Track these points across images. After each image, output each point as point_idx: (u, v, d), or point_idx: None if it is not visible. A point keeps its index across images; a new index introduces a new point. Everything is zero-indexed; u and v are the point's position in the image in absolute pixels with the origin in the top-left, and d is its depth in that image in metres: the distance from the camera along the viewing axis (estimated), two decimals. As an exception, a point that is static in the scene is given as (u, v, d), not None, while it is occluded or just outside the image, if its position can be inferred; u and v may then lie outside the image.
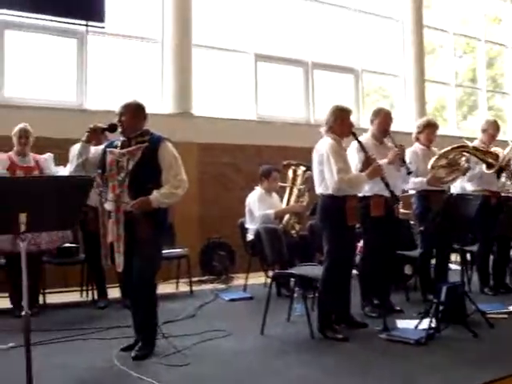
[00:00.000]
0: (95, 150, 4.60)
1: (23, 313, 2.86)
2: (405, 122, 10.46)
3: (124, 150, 4.45)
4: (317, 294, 5.22)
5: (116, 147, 4.52)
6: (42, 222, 2.90)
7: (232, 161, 8.64)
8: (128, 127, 4.48)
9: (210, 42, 8.96)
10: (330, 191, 4.84)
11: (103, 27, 7.94)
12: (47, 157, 6.12)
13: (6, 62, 7.57)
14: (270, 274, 5.77)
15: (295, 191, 6.91)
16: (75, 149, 4.55)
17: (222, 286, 7.36)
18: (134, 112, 4.52)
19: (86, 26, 7.89)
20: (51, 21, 7.70)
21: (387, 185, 5.14)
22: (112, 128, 4.51)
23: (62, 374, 4.01)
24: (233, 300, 6.51)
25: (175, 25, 8.48)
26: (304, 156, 7.38)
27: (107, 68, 8.26)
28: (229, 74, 9.33)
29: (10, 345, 4.67)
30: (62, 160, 6.10)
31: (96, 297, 6.37)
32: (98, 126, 4.49)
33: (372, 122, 5.72)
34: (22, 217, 2.74)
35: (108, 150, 4.54)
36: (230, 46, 9.19)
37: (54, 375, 3.93)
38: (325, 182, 4.89)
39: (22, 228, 2.76)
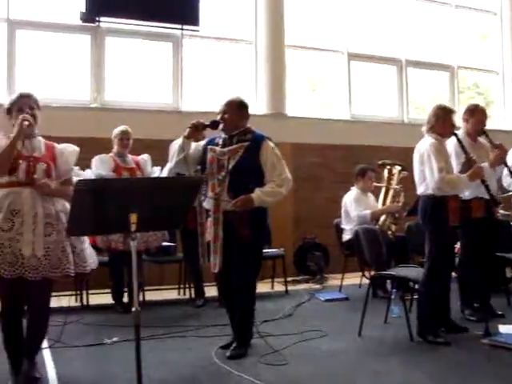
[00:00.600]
0: (195, 146, 4.53)
1: (133, 309, 2.94)
2: (503, 120, 10.09)
3: (225, 149, 4.43)
4: (415, 296, 5.12)
5: (217, 145, 4.49)
6: (152, 221, 2.98)
7: (324, 161, 8.60)
8: (230, 124, 4.44)
9: (302, 41, 8.94)
10: (430, 191, 4.72)
11: (198, 30, 8.09)
12: (145, 158, 6.25)
13: (106, 67, 7.84)
14: (368, 274, 5.67)
15: (391, 191, 6.81)
16: (175, 145, 4.50)
17: (317, 286, 7.34)
18: (237, 109, 4.49)
19: (182, 29, 8.06)
20: (149, 26, 7.93)
21: (487, 187, 4.95)
22: (214, 125, 4.45)
23: (164, 370, 4.11)
24: (328, 300, 6.48)
25: (268, 26, 8.52)
26: (397, 155, 7.31)
27: (202, 70, 8.40)
28: (322, 74, 9.29)
29: (114, 339, 4.84)
30: (158, 161, 6.25)
31: (193, 295, 6.46)
32: (200, 122, 4.43)
33: (467, 120, 5.44)
34: (133, 217, 2.82)
35: (209, 147, 4.51)
36: (323, 46, 9.13)
37: (156, 371, 4.01)
38: (426, 182, 4.75)
39: (133, 228, 2.84)
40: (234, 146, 4.42)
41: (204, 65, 8.44)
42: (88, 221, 2.88)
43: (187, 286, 6.71)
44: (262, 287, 6.91)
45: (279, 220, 7.34)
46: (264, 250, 5.99)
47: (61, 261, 3.64)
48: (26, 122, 3.66)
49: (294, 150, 8.10)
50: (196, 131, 4.44)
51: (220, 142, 4.50)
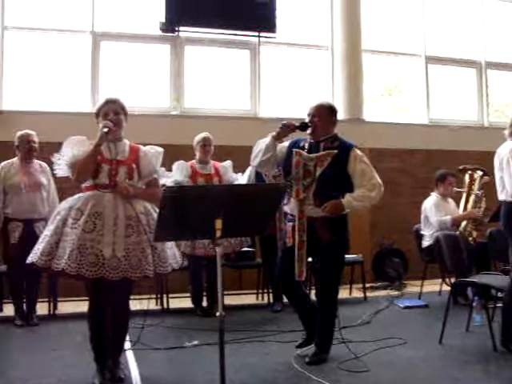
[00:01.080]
0: (279, 147, 4.49)
1: (217, 313, 2.99)
2: None
3: (313, 155, 4.37)
4: (498, 305, 4.98)
5: (302, 148, 4.43)
6: (236, 228, 3.03)
7: (403, 166, 8.50)
8: (319, 129, 4.40)
9: (379, 46, 8.87)
10: (510, 198, 4.55)
11: (274, 37, 8.16)
12: (226, 164, 6.33)
13: (186, 75, 8.01)
14: (449, 281, 5.56)
15: (472, 197, 6.66)
16: (262, 143, 4.44)
17: (396, 293, 7.24)
18: (327, 114, 4.45)
19: (258, 37, 8.15)
20: (226, 34, 8.06)
21: None
22: (303, 127, 4.40)
23: (244, 374, 4.15)
24: (408, 307, 6.38)
25: (344, 30, 8.49)
26: (477, 160, 7.14)
27: (279, 76, 8.46)
28: (399, 78, 9.19)
29: (194, 342, 4.93)
30: (237, 167, 6.33)
31: (271, 300, 6.50)
32: (291, 123, 4.38)
33: None
34: (218, 223, 2.88)
35: (294, 150, 4.43)
36: (400, 50, 9.02)
37: (237, 374, 4.05)
38: (505, 189, 4.59)
39: (218, 234, 2.90)
40: (322, 153, 4.38)
41: (281, 71, 8.51)
42: (174, 227, 2.95)
43: (265, 290, 6.76)
44: (341, 293, 6.86)
45: (357, 226, 7.24)
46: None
47: (140, 261, 3.73)
48: (106, 129, 3.78)
49: (371, 156, 7.96)
50: (285, 132, 4.40)
51: (306, 145, 4.45)
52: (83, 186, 3.87)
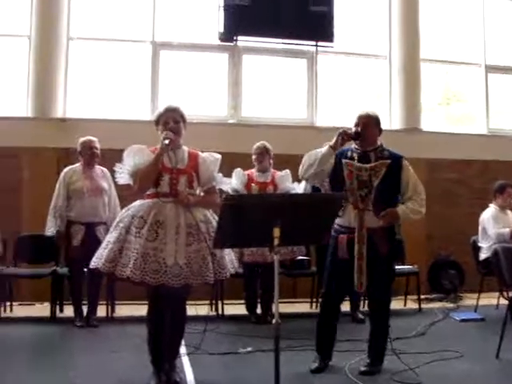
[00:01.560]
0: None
1: (273, 321, 3.03)
2: None
3: (366, 165, 4.36)
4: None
5: (351, 158, 4.40)
6: (293, 236, 3.07)
7: (460, 177, 8.37)
8: (370, 139, 4.41)
9: (437, 55, 8.77)
10: None
11: (332, 46, 8.18)
12: (284, 174, 6.35)
13: (244, 84, 8.12)
14: (507, 295, 5.45)
15: (532, 209, 6.54)
16: (313, 155, 4.39)
17: (451, 305, 7.13)
18: (375, 124, 4.47)
19: (316, 46, 8.18)
20: (284, 44, 8.12)
21: None
22: (357, 136, 4.37)
23: (299, 382, 4.20)
24: (464, 320, 6.29)
25: (403, 40, 8.43)
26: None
27: (336, 85, 8.47)
28: (457, 87, 9.08)
29: (249, 349, 5.00)
30: (294, 176, 6.35)
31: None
32: (348, 132, 4.33)
33: None
34: (276, 231, 2.93)
35: (344, 161, 4.39)
36: (459, 59, 8.90)
37: (291, 382, 4.07)
38: None
39: (276, 242, 2.95)
40: (376, 163, 4.37)
41: (338, 80, 8.51)
42: (233, 234, 3.01)
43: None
44: (395, 304, 6.80)
45: (412, 236, 7.23)
46: (398, 267, 5.95)
47: (201, 268, 3.82)
48: (167, 141, 3.87)
49: (428, 166, 7.96)
50: (343, 141, 4.35)
51: (354, 155, 4.43)
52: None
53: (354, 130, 4.39)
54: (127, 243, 3.78)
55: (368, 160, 4.41)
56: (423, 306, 6.97)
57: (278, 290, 3.07)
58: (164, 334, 3.97)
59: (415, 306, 6.93)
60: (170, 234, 3.79)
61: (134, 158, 3.95)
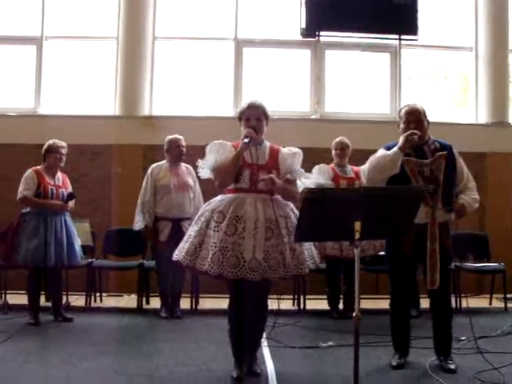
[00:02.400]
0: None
1: (354, 314, 3.04)
2: None
3: (427, 161, 4.25)
4: None
5: (407, 155, 4.22)
6: (375, 230, 3.07)
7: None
8: (424, 134, 4.26)
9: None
10: None
11: (416, 39, 8.05)
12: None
13: (326, 80, 8.14)
14: None
15: None
16: (379, 159, 4.24)
17: (539, 305, 6.89)
18: (425, 116, 4.34)
19: (399, 39, 8.08)
20: (366, 38, 8.08)
21: None
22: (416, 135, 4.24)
23: (377, 377, 4.17)
24: (553, 321, 6.07)
25: (489, 31, 8.19)
26: None
27: (420, 79, 8.33)
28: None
29: (329, 343, 5.01)
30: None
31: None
32: (414, 132, 4.16)
33: None
34: (357, 225, 2.94)
35: (403, 158, 4.22)
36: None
37: (369, 377, 4.06)
38: None
39: (357, 235, 2.96)
40: (435, 157, 4.27)
41: (422, 74, 8.37)
42: (314, 228, 3.04)
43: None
44: (480, 303, 6.70)
45: (498, 233, 7.05)
46: (481, 264, 5.80)
47: (279, 263, 3.87)
48: (247, 139, 3.93)
49: (517, 160, 7.72)
50: (410, 143, 4.18)
51: (410, 151, 4.23)
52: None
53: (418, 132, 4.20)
54: (207, 237, 3.86)
55: (423, 154, 4.28)
56: (509, 305, 6.74)
57: (358, 284, 3.10)
58: (245, 327, 4.04)
59: (501, 304, 6.73)
60: (248, 229, 3.84)
61: (216, 153, 4.02)
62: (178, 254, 3.95)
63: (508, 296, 6.80)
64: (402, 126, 4.36)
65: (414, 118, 4.29)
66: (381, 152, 4.33)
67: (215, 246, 3.80)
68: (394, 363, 4.41)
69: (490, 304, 6.97)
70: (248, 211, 3.88)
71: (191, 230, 4.00)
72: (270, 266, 3.83)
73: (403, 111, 4.41)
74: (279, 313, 4.97)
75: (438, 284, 4.28)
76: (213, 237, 3.84)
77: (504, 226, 7.57)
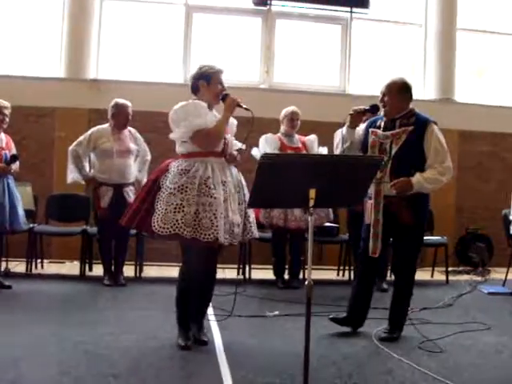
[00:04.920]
0: (357, 131, 4.49)
1: (306, 283, 3.02)
2: None
3: (388, 133, 4.32)
4: None
5: (379, 127, 4.39)
6: (329, 198, 3.04)
7: (493, 149, 8.25)
8: (392, 108, 4.32)
9: (475, 24, 8.56)
10: None
11: (367, 13, 8.05)
12: (312, 138, 6.35)
13: (276, 50, 8.06)
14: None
15: None
16: (338, 134, 4.54)
17: (479, 279, 7.06)
18: (398, 92, 4.32)
19: (351, 12, 8.05)
20: (318, 9, 8.01)
21: None
22: (374, 109, 4.43)
23: (325, 346, 4.20)
24: (492, 293, 6.24)
25: (439, 8, 8.25)
26: None
27: (370, 53, 8.36)
28: (492, 58, 8.89)
29: (276, 313, 5.05)
30: (323, 143, 6.33)
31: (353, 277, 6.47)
32: (359, 108, 4.41)
33: None
34: (312, 192, 2.90)
35: (370, 130, 4.42)
36: (497, 29, 8.67)
37: (317, 346, 4.03)
38: None
39: (311, 203, 2.92)
40: (397, 130, 4.31)
41: (372, 48, 8.38)
42: (269, 194, 2.99)
43: (347, 267, 6.78)
44: (422, 275, 6.81)
45: (441, 208, 7.17)
46: (427, 237, 5.90)
47: (245, 227, 3.98)
48: (245, 106, 3.96)
49: (461, 138, 7.87)
50: (358, 118, 4.44)
51: (382, 124, 4.40)
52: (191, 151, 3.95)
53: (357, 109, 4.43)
54: (201, 205, 3.79)
55: (394, 128, 4.35)
56: (450, 278, 6.93)
57: (311, 252, 3.05)
58: (194, 294, 4.03)
59: (442, 277, 6.90)
60: (232, 194, 3.92)
61: (198, 115, 3.90)
62: (167, 226, 3.74)
63: (449, 269, 6.97)
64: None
65: (382, 90, 4.40)
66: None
67: (221, 213, 3.79)
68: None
69: (432, 276, 7.14)
70: (228, 175, 3.94)
71: (173, 200, 3.78)
72: (242, 230, 3.96)
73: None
74: (225, 282, 4.99)
75: (379, 253, 4.34)
76: (210, 204, 3.78)
77: (447, 202, 7.73)
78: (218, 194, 3.82)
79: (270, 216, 6.01)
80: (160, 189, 3.84)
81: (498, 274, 7.17)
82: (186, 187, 3.80)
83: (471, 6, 8.50)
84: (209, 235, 3.74)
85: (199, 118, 3.89)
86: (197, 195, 3.79)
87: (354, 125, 4.44)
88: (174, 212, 3.75)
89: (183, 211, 3.75)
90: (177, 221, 3.74)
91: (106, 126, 6.11)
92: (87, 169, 6.06)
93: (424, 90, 8.17)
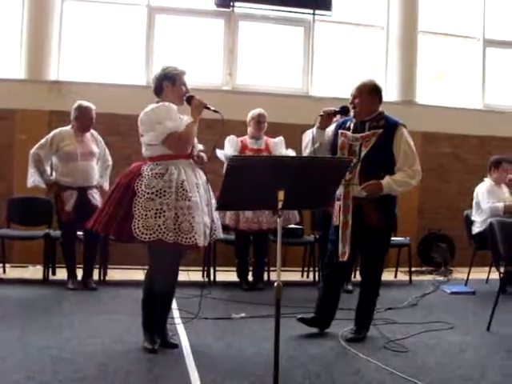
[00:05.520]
0: (326, 132, 4.50)
1: (275, 284, 3.01)
2: None
3: (358, 135, 4.35)
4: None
5: (348, 129, 4.43)
6: (299, 200, 3.04)
7: (454, 151, 8.37)
8: (362, 110, 4.37)
9: (436, 28, 8.66)
10: None
11: (330, 15, 8.08)
12: (277, 140, 6.35)
13: (239, 52, 8.03)
14: (502, 269, 5.46)
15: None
16: (308, 135, 4.49)
17: (442, 279, 7.17)
18: (368, 94, 4.38)
19: (313, 14, 8.08)
20: (280, 11, 8.02)
21: None
22: (344, 110, 4.43)
23: (293, 348, 4.19)
24: (455, 293, 6.32)
25: (401, 11, 8.32)
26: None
27: (332, 55, 8.40)
28: (453, 61, 9.02)
29: (242, 315, 5.03)
30: (286, 145, 6.34)
31: (317, 279, 6.50)
32: (330, 109, 4.39)
33: None
34: (281, 194, 2.89)
35: (340, 131, 4.45)
36: (458, 32, 8.80)
37: (285, 348, 3.98)
38: None
39: (280, 205, 2.92)
40: (367, 133, 4.35)
41: (335, 50, 8.43)
42: (237, 196, 2.97)
43: (312, 269, 6.79)
44: (386, 275, 6.83)
45: (404, 209, 7.17)
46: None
47: (211, 228, 3.98)
48: (213, 108, 3.99)
49: (423, 139, 7.93)
50: (327, 119, 4.42)
51: (351, 126, 4.43)
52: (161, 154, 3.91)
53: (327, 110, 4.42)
54: (179, 209, 3.78)
55: (363, 130, 4.38)
56: (414, 278, 7.02)
57: (280, 254, 3.04)
58: (160, 296, 4.00)
59: (406, 277, 6.98)
60: (203, 195, 3.92)
61: (169, 119, 3.86)
62: (149, 231, 3.70)
63: (412, 269, 7.04)
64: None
65: (352, 93, 4.43)
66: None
67: (198, 216, 3.81)
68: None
69: (396, 277, 7.20)
70: (198, 178, 3.95)
71: (152, 205, 3.73)
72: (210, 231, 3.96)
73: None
74: (189, 284, 4.96)
75: (347, 257, 4.36)
76: (188, 208, 3.78)
77: (410, 203, 7.79)
78: (195, 197, 3.82)
79: (236, 218, 5.98)
80: (136, 194, 3.78)
81: (460, 273, 7.29)
82: (164, 191, 3.77)
83: (432, 9, 8.59)
84: (189, 239, 3.74)
85: (172, 121, 3.86)
86: (175, 199, 3.76)
87: (323, 126, 4.43)
88: (155, 217, 3.72)
89: (164, 216, 3.73)
90: (159, 226, 3.71)
91: (67, 128, 6.02)
92: (49, 172, 5.96)
93: (386, 92, 8.22)
